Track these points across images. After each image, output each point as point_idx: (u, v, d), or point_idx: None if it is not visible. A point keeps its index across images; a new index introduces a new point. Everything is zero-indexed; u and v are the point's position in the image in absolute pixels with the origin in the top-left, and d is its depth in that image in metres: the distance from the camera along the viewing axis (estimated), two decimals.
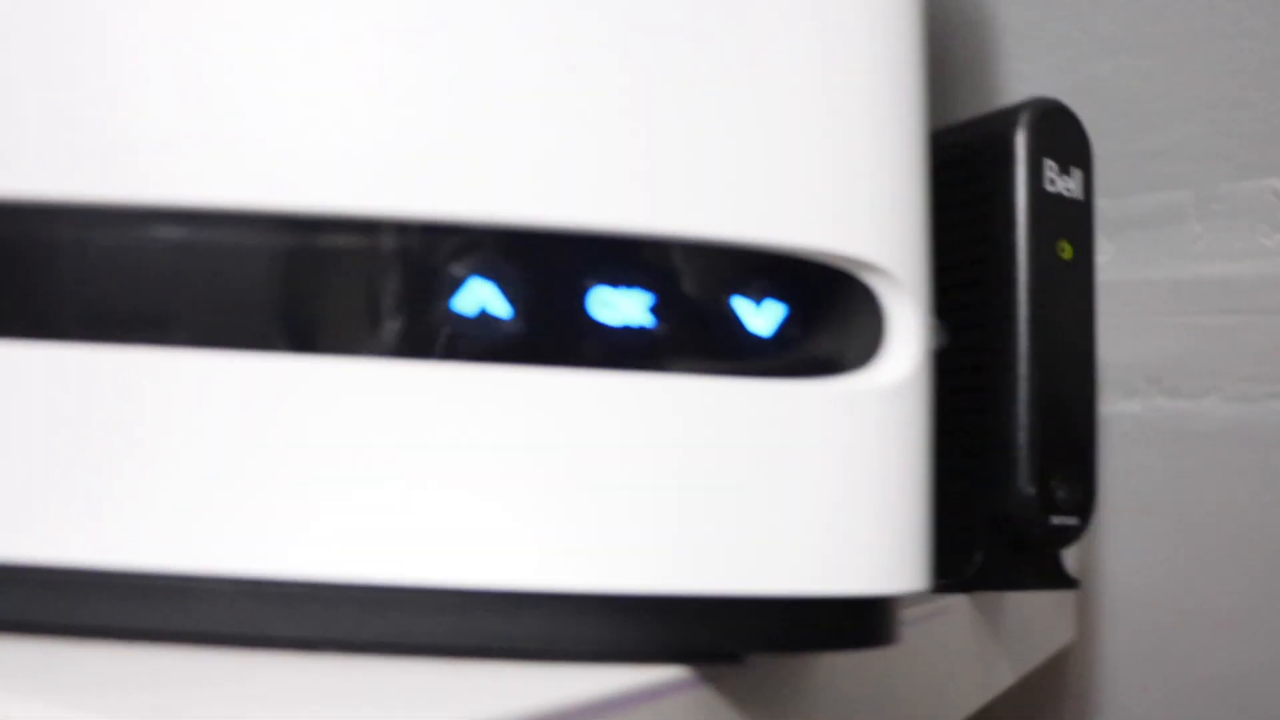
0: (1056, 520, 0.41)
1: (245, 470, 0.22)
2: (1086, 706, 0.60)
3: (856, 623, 0.25)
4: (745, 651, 0.25)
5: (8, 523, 0.22)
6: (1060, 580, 0.44)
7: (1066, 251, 0.42)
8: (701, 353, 0.24)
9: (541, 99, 0.23)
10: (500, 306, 0.23)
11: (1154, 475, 0.58)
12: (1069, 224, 0.43)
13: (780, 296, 0.25)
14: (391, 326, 0.23)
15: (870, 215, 0.25)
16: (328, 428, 0.22)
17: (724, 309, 0.24)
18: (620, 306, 0.24)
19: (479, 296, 0.23)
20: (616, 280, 0.24)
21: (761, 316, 0.24)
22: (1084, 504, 0.41)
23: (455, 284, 0.23)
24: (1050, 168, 0.43)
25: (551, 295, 0.23)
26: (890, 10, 0.26)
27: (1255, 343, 0.56)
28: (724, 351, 0.24)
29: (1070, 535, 0.41)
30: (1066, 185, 0.43)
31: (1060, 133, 0.43)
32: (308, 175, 0.22)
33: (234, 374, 0.23)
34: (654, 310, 0.24)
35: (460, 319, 0.23)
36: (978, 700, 0.43)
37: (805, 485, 0.24)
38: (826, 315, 0.25)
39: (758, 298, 0.24)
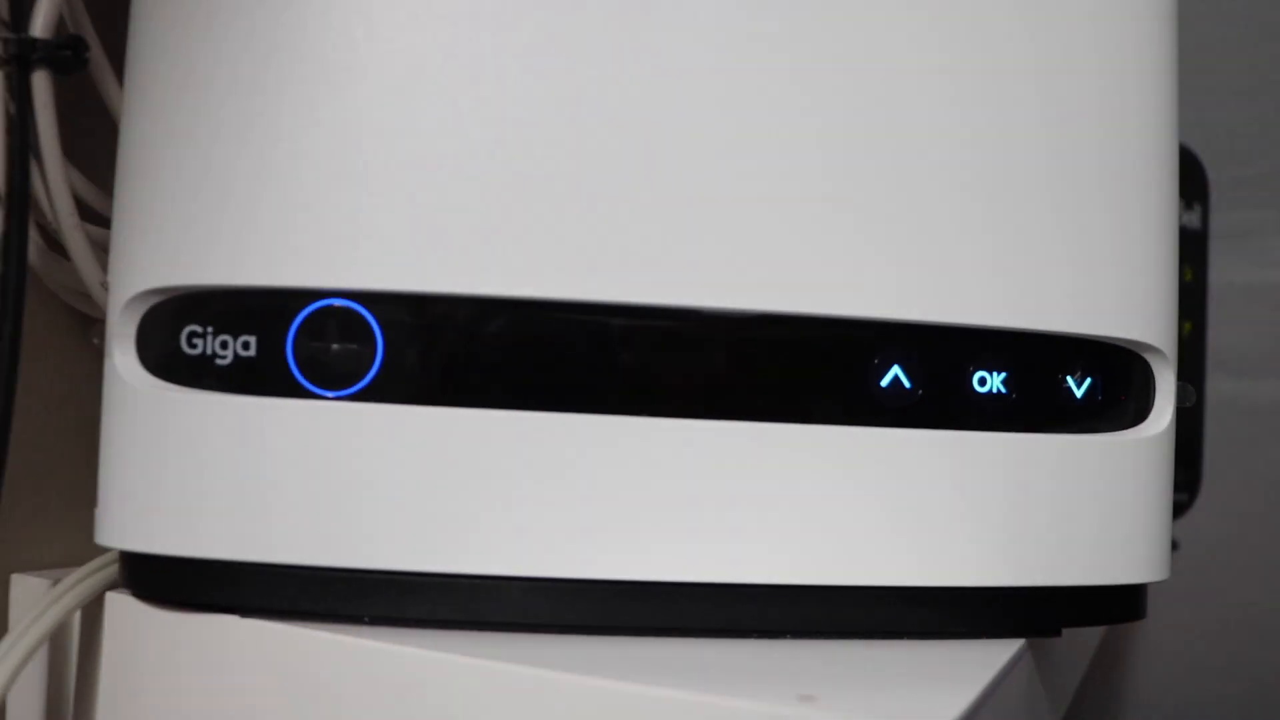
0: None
1: (729, 505, 0.32)
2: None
3: (1133, 603, 0.36)
4: (1067, 626, 0.35)
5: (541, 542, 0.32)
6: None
7: (1188, 275, 0.52)
8: (1042, 415, 0.34)
9: (955, 241, 0.32)
10: (905, 383, 0.33)
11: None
12: (1190, 252, 0.53)
13: (1092, 373, 0.35)
14: (834, 399, 0.33)
15: (1153, 308, 0.35)
16: (787, 481, 0.32)
17: (1059, 383, 0.34)
18: (990, 383, 0.34)
19: (894, 376, 0.33)
20: (988, 363, 0.34)
21: (1081, 388, 0.34)
22: (1193, 483, 0.52)
23: (883, 369, 0.33)
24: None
25: (944, 375, 0.33)
26: (1165, 139, 0.35)
27: None
28: (1057, 414, 0.34)
29: (1179, 510, 0.52)
30: (1189, 219, 0.52)
31: (1186, 172, 0.53)
32: (797, 285, 0.32)
33: (717, 437, 0.32)
34: (1008, 384, 0.34)
35: (883, 393, 0.33)
36: None
37: (1107, 508, 0.34)
38: (1119, 385, 0.35)
39: (1079, 375, 0.34)
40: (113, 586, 0.34)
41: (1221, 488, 0.67)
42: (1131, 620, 0.36)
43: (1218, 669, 0.70)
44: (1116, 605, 0.35)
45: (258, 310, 0.31)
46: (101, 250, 0.37)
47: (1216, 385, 0.68)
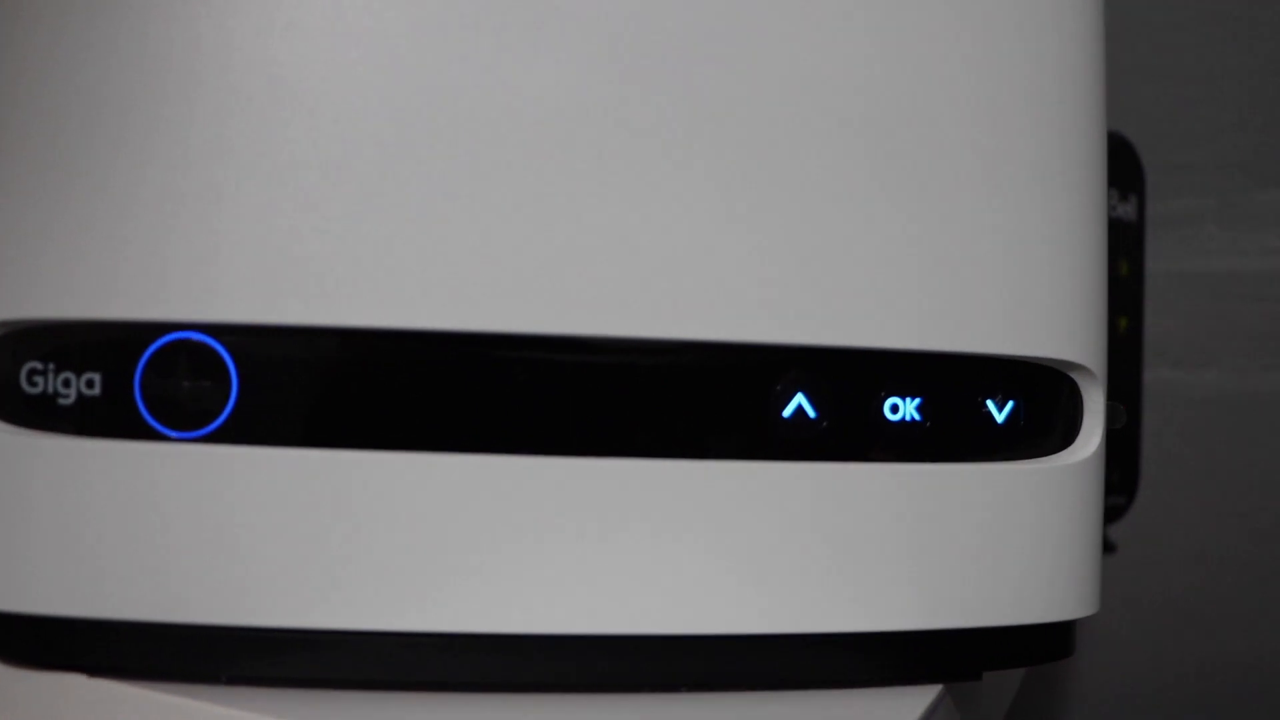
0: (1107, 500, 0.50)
1: (616, 551, 0.30)
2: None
3: (1061, 641, 0.33)
4: (988, 669, 0.33)
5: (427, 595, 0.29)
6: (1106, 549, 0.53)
7: (1125, 269, 0.50)
8: (960, 443, 0.31)
9: (859, 257, 0.30)
10: (810, 412, 0.31)
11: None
12: (1126, 244, 0.51)
13: (1013, 395, 0.32)
14: (734, 432, 0.30)
15: (1080, 324, 0.32)
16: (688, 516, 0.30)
17: (978, 408, 0.32)
18: (903, 409, 0.31)
19: (797, 406, 0.30)
20: (900, 389, 0.31)
21: (1002, 412, 0.32)
22: (1131, 483, 0.50)
23: (785, 397, 0.30)
24: (1112, 195, 0.50)
25: (851, 403, 0.31)
26: (1093, 158, 0.33)
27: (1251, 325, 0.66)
28: (976, 441, 0.32)
29: (1116, 513, 0.50)
30: (1125, 210, 0.50)
31: (1120, 161, 0.51)
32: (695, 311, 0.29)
33: (621, 475, 0.29)
34: (922, 410, 0.31)
35: (785, 424, 0.30)
36: None
37: (1032, 541, 0.32)
38: (1043, 408, 0.33)
39: (1000, 398, 0.32)
40: None
41: (1162, 479, 0.65)
42: (1058, 659, 0.34)
43: (1159, 658, 0.68)
44: (1042, 644, 0.33)
45: (102, 345, 0.29)
46: None
47: (1156, 375, 0.66)
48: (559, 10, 0.29)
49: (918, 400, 0.31)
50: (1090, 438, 0.33)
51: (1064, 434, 0.32)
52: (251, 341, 0.29)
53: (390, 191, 0.28)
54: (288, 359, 0.29)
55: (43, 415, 0.29)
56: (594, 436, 0.29)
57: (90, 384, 0.29)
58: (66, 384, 0.29)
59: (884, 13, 0.30)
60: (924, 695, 0.31)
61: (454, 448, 0.29)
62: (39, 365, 0.29)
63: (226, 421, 0.28)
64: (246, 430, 0.28)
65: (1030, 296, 0.31)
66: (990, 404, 0.31)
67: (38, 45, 0.28)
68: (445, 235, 0.28)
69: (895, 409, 0.31)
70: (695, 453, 0.30)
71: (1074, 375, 0.32)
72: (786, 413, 0.30)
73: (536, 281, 0.28)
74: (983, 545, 0.31)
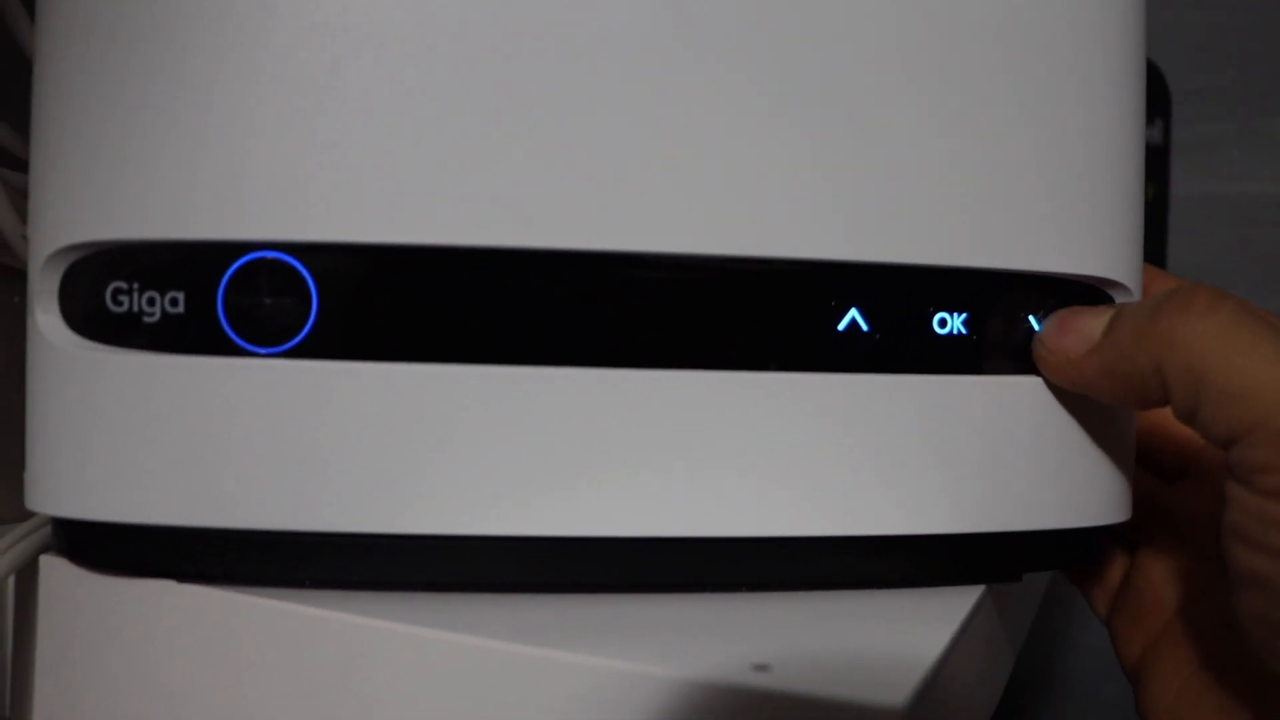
0: None
1: (681, 459, 0.31)
2: None
3: (1096, 545, 0.35)
4: (1029, 570, 0.34)
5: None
6: None
7: (1150, 193, 0.51)
8: (1004, 356, 0.33)
9: (910, 177, 0.31)
10: (863, 326, 0.32)
11: None
12: (1152, 168, 0.51)
13: (1055, 311, 0.33)
14: (789, 345, 0.31)
15: (1119, 241, 0.34)
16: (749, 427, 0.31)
17: (1022, 323, 0.33)
18: (951, 324, 0.32)
19: (851, 320, 0.32)
20: (949, 304, 0.32)
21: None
22: None
23: (840, 312, 0.32)
24: None
25: (903, 317, 0.32)
26: (1133, 81, 0.34)
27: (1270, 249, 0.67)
28: (1020, 355, 0.33)
29: None
30: (1150, 134, 0.51)
31: (1147, 87, 0.51)
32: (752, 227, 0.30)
33: (669, 387, 0.31)
34: (969, 325, 0.33)
35: (839, 337, 0.32)
36: None
37: (1070, 450, 0.33)
38: None
39: (1042, 314, 0.33)
40: (47, 549, 0.33)
41: None
42: (1093, 563, 0.36)
43: None
44: (1078, 548, 0.35)
45: (186, 265, 0.30)
46: (22, 197, 0.35)
47: None
48: None
49: (964, 315, 0.32)
50: None
51: None
52: (331, 260, 0.29)
53: (468, 111, 0.29)
54: (366, 276, 0.30)
55: (128, 333, 0.30)
56: (653, 350, 0.31)
57: (174, 302, 0.30)
58: (151, 302, 0.30)
59: None
60: (968, 595, 0.32)
61: (528, 361, 0.30)
62: (124, 285, 0.30)
63: (307, 337, 0.30)
64: (327, 345, 0.29)
65: (1072, 215, 0.32)
66: (1033, 319, 0.32)
67: None
68: (525, 154, 0.29)
69: (943, 323, 0.32)
70: (753, 365, 0.31)
71: (1112, 292, 0.33)
72: (841, 326, 0.31)
73: (609, 201, 0.29)
74: (1024, 453, 0.33)
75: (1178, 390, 0.28)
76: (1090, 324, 0.31)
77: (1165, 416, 0.36)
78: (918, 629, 0.29)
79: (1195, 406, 0.28)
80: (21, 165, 0.36)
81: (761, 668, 0.25)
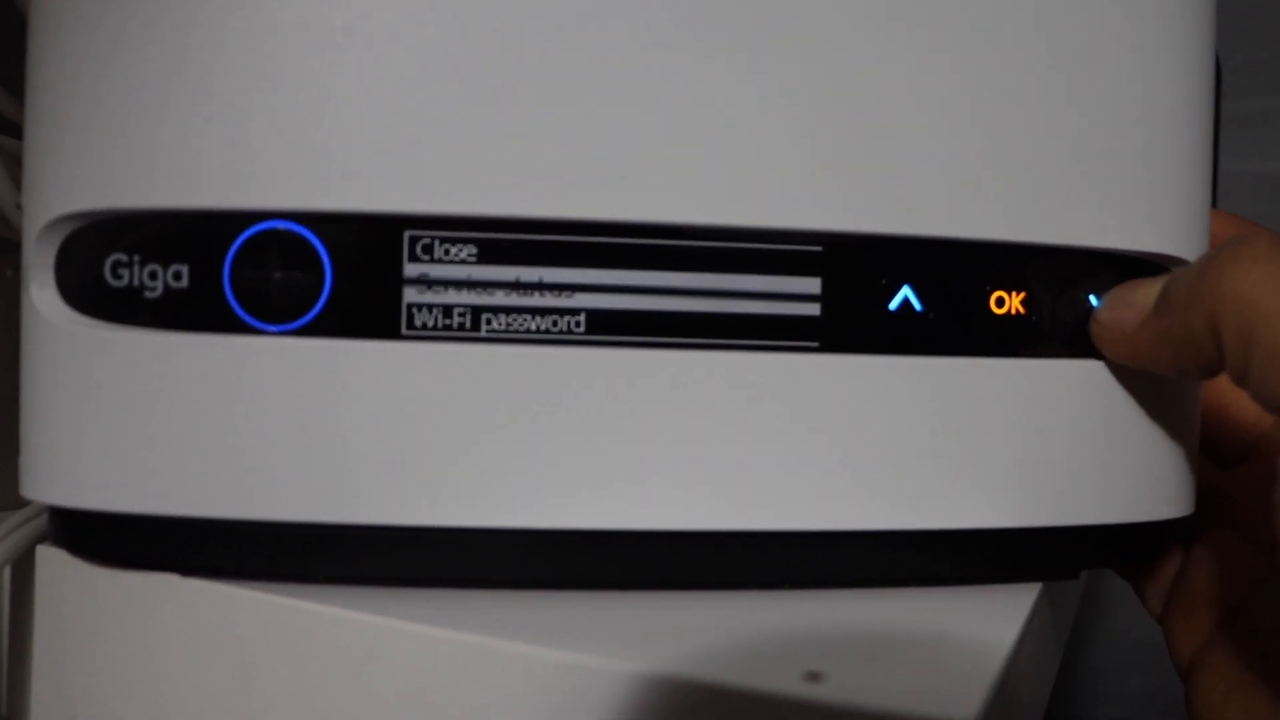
0: None
1: (727, 446, 0.29)
2: None
3: (1156, 541, 0.33)
4: (1087, 567, 0.32)
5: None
6: None
7: None
8: (1063, 338, 0.31)
9: (968, 150, 0.29)
10: (916, 305, 0.30)
11: None
12: None
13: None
14: (841, 325, 0.29)
15: (1184, 222, 0.31)
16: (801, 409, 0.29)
17: (1082, 302, 0.31)
18: (1008, 304, 0.30)
19: (904, 299, 0.29)
20: (1006, 283, 0.30)
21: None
22: None
23: (892, 290, 0.29)
24: None
25: (958, 296, 0.30)
26: (1201, 54, 0.32)
27: None
28: (1080, 337, 0.31)
29: None
30: None
31: None
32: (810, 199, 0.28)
33: (726, 367, 0.29)
34: (1027, 304, 0.30)
35: (891, 317, 0.29)
36: None
37: (1132, 440, 0.31)
38: None
39: (1102, 294, 0.31)
40: (44, 539, 0.31)
41: None
42: (1153, 559, 0.33)
43: None
44: (1138, 544, 0.32)
45: (189, 236, 0.28)
46: (17, 164, 0.33)
47: None
48: None
49: (1023, 294, 0.30)
50: None
51: None
52: (345, 231, 0.27)
53: (500, 70, 0.27)
54: (383, 249, 0.27)
55: (128, 309, 0.28)
56: (696, 330, 0.28)
57: (178, 276, 0.28)
58: (153, 276, 0.28)
59: None
60: (1024, 594, 0.30)
61: (561, 341, 0.28)
62: (124, 257, 0.28)
63: (320, 314, 0.27)
64: (340, 323, 0.27)
65: (1134, 191, 0.30)
66: (1093, 299, 0.30)
67: None
68: (564, 116, 0.27)
69: (1001, 303, 0.30)
70: (799, 346, 0.29)
71: (1175, 270, 0.31)
72: (893, 306, 0.29)
73: (648, 171, 0.27)
74: (1083, 444, 0.30)
75: (1230, 347, 0.26)
76: (1144, 293, 0.29)
77: (1223, 395, 0.34)
78: (977, 631, 0.27)
79: (1246, 365, 0.25)
80: (16, 130, 0.33)
81: (814, 676, 0.23)
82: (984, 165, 0.29)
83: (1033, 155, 0.29)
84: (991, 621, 0.28)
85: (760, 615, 0.28)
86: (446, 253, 0.28)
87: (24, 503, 0.30)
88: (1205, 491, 0.34)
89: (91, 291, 0.28)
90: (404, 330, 0.28)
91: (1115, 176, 0.30)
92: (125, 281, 0.28)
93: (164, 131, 0.27)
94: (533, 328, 0.28)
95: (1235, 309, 0.26)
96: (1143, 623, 0.37)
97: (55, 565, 0.30)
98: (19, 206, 0.31)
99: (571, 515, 0.28)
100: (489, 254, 0.28)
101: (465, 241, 0.28)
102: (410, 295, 0.28)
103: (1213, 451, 0.35)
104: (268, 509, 0.28)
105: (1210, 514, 0.34)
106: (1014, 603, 0.29)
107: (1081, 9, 0.29)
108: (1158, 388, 0.30)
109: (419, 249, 0.28)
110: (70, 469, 0.28)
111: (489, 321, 0.28)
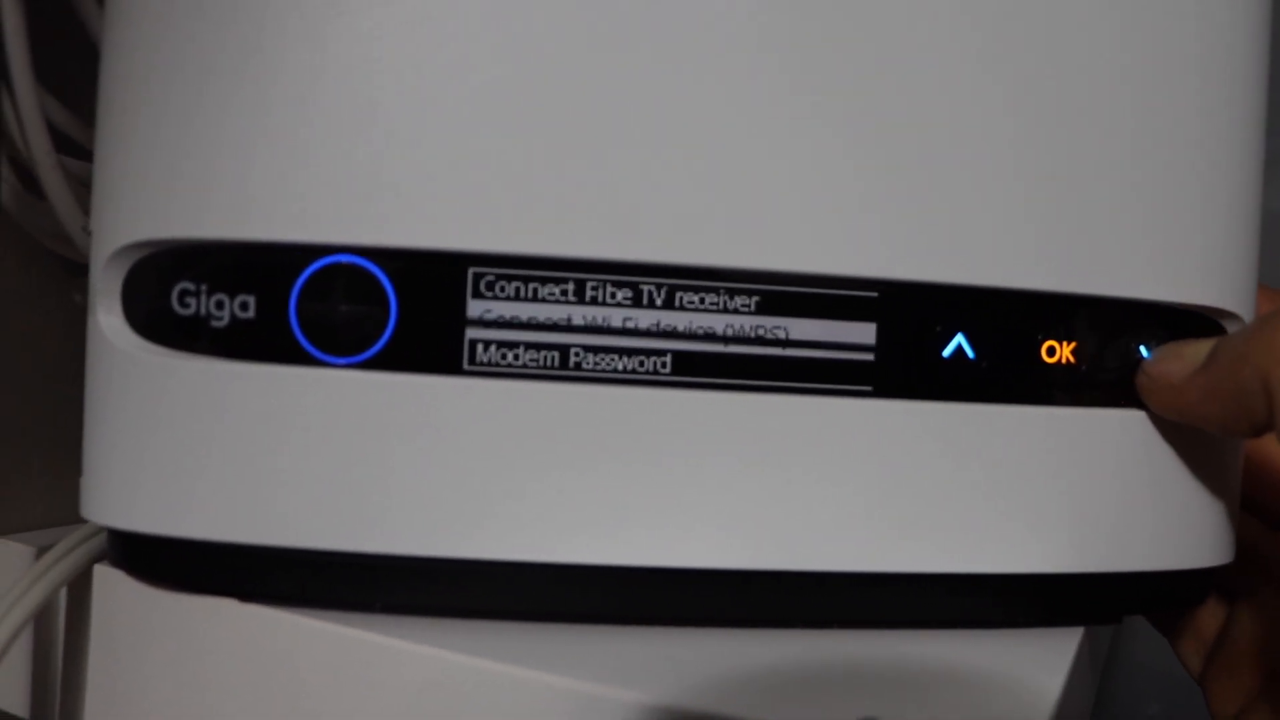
0: None
1: (777, 487, 0.29)
2: None
3: (1198, 587, 0.33)
4: (1130, 613, 0.33)
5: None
6: None
7: None
8: (1113, 388, 0.31)
9: (1020, 201, 0.30)
10: (969, 353, 0.30)
11: None
12: None
13: (1166, 342, 0.32)
14: (892, 371, 0.30)
15: (1235, 275, 0.32)
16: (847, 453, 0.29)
17: (1133, 353, 0.31)
18: (1059, 353, 0.30)
19: (957, 346, 0.30)
20: (1057, 332, 0.30)
21: None
22: None
23: (946, 337, 0.30)
24: None
25: (1010, 345, 0.30)
26: (1256, 108, 0.32)
27: None
28: (1128, 386, 0.31)
29: None
30: None
31: None
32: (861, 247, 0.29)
33: (765, 411, 0.29)
34: (1079, 354, 0.31)
35: (945, 364, 0.30)
36: None
37: (1177, 487, 0.31)
38: None
39: (1154, 344, 0.31)
40: (101, 558, 0.31)
41: None
42: (1194, 605, 0.34)
43: None
44: (1181, 590, 0.33)
45: (257, 267, 0.28)
46: (84, 187, 0.33)
47: None
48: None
49: (1074, 344, 0.30)
50: None
51: None
52: (411, 265, 0.28)
53: (555, 122, 0.27)
54: (446, 285, 0.28)
55: (194, 337, 0.28)
56: (751, 373, 0.29)
57: (244, 306, 0.28)
58: (219, 305, 0.28)
59: None
60: (1068, 637, 0.30)
61: (617, 381, 0.28)
62: (191, 286, 0.28)
63: (385, 347, 0.28)
64: (405, 357, 0.28)
65: (1185, 243, 0.31)
66: (1144, 350, 0.31)
67: None
68: (635, 157, 0.28)
69: (1052, 352, 0.30)
70: (853, 391, 0.29)
71: (1225, 323, 0.31)
72: (946, 353, 0.29)
73: (704, 214, 0.28)
74: (1128, 492, 0.31)
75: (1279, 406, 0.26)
76: (1194, 350, 0.29)
77: (1272, 455, 0.34)
78: (1025, 675, 0.27)
79: None
80: (83, 153, 0.34)
81: None
82: (1038, 216, 0.29)
83: (1086, 207, 0.29)
84: (1038, 665, 0.28)
85: (811, 656, 0.28)
86: (509, 290, 0.28)
87: (80, 517, 0.31)
88: (1252, 552, 0.34)
89: (158, 319, 0.28)
90: (466, 366, 0.28)
91: (1167, 229, 0.30)
92: (192, 310, 0.28)
93: (231, 164, 0.27)
94: (588, 365, 0.28)
95: None
96: (1162, 651, 0.37)
97: (112, 585, 0.30)
98: (86, 230, 0.32)
99: (625, 552, 0.28)
100: (550, 292, 0.28)
101: (527, 279, 0.28)
102: (473, 332, 0.28)
103: (1261, 512, 0.35)
104: (326, 539, 0.28)
105: (1257, 575, 0.34)
106: (1058, 647, 0.30)
107: (1136, 62, 0.30)
108: (1201, 437, 0.31)
109: (483, 285, 0.28)
110: (131, 493, 0.28)
111: (550, 359, 0.28)
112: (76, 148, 0.34)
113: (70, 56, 0.34)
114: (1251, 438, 0.31)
